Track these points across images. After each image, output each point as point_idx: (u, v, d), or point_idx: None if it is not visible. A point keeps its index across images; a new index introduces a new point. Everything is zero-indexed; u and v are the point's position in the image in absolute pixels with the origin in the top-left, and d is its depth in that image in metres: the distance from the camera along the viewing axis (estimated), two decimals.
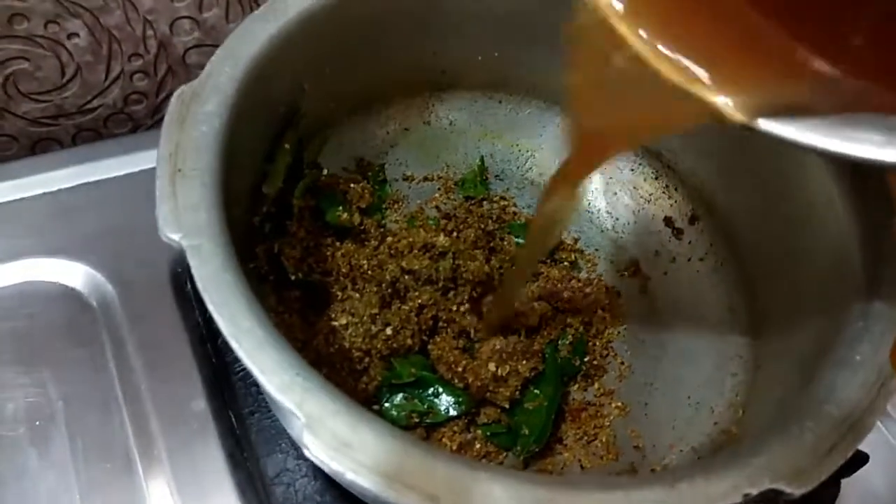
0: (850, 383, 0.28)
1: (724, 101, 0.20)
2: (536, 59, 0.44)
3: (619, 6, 0.21)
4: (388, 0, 0.38)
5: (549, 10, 0.41)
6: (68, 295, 0.43)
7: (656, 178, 0.47)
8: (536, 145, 0.48)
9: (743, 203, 0.42)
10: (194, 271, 0.25)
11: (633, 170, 0.47)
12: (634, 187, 0.47)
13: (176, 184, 0.27)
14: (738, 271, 0.42)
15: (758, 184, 0.40)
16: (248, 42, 0.32)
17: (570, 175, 0.29)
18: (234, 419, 0.39)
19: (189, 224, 0.26)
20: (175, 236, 0.26)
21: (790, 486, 0.24)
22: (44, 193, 0.46)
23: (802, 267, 0.36)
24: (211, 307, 0.25)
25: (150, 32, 0.49)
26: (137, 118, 0.54)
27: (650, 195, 0.46)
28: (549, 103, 0.48)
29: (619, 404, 0.40)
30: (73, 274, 0.44)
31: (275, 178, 0.35)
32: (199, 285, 0.25)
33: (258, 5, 0.51)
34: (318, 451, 0.23)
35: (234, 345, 0.24)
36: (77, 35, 0.47)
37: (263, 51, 0.33)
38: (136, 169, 0.48)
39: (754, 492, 0.24)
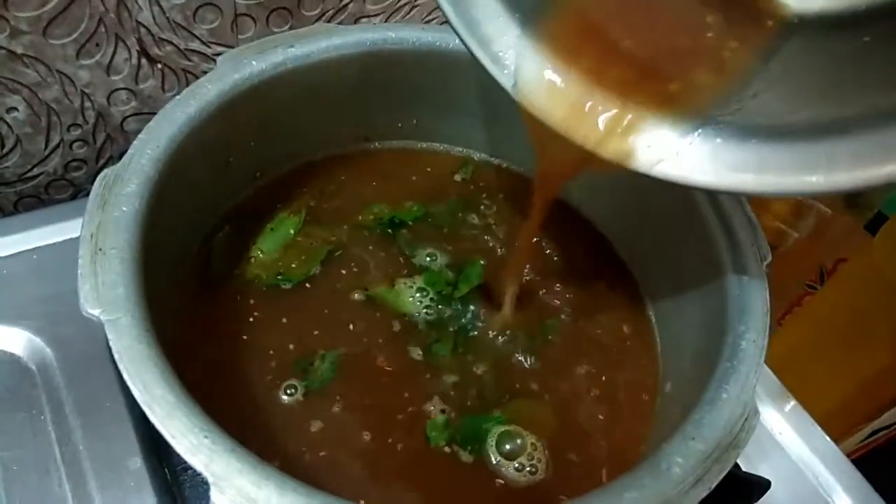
0: (717, 420, 0.31)
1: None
2: (448, 126, 0.48)
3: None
4: (308, 82, 0.41)
5: (455, 83, 0.45)
6: (8, 361, 0.44)
7: None
8: None
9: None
10: (111, 344, 0.27)
11: None
12: None
13: (97, 263, 0.29)
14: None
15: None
16: (168, 125, 0.35)
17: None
18: (168, 475, 0.41)
19: (107, 300, 0.28)
20: (95, 312, 0.28)
21: None
22: None
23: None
24: (126, 377, 0.27)
25: (87, 104, 0.51)
26: (78, 183, 0.56)
27: None
28: None
29: None
30: (13, 340, 0.45)
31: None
32: (116, 357, 0.27)
33: (193, 75, 0.54)
34: None
35: (147, 411, 0.26)
36: (16, 109, 0.49)
37: (184, 132, 0.35)
38: (76, 235, 0.49)
39: None
